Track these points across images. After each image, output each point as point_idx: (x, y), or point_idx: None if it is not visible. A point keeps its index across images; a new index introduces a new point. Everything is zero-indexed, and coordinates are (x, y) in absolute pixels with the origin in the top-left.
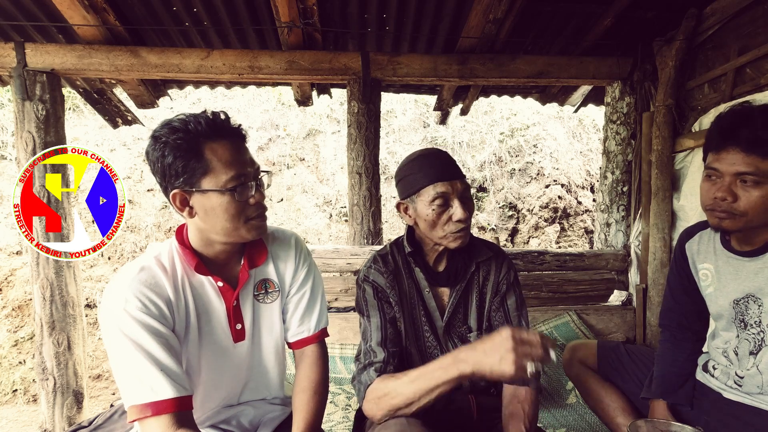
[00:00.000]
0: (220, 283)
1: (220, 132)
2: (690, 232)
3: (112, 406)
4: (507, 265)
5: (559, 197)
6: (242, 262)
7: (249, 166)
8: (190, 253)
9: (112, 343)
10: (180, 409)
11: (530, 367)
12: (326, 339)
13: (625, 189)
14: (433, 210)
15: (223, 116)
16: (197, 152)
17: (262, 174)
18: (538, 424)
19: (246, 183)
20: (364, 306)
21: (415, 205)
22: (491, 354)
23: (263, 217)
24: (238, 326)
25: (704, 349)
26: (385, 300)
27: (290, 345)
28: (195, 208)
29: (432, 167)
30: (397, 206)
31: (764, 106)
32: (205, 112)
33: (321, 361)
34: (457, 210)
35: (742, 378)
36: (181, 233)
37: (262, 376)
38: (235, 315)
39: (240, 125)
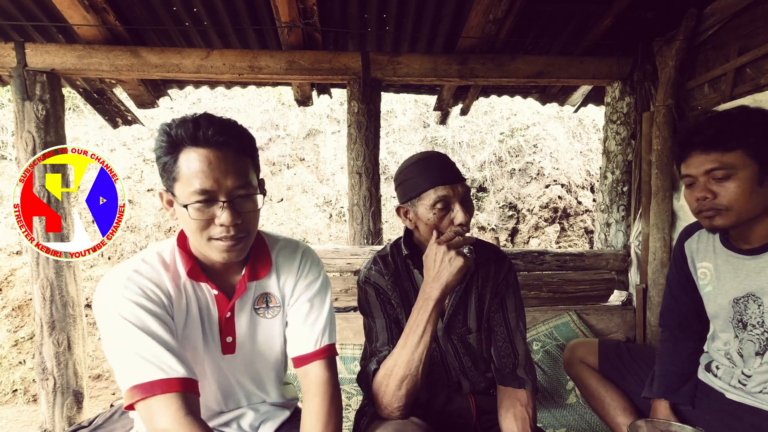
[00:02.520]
0: (216, 292)
1: (197, 139)
2: (689, 231)
3: (112, 406)
4: (507, 267)
5: (559, 197)
6: (243, 272)
7: (219, 183)
8: (186, 257)
9: (109, 329)
10: (189, 390)
11: (466, 251)
12: None
13: (625, 189)
14: (435, 214)
15: (206, 121)
16: (175, 157)
17: (255, 192)
18: (538, 424)
19: (210, 200)
20: (368, 308)
21: (416, 209)
22: (440, 267)
23: (231, 240)
24: (228, 339)
25: (705, 349)
26: (387, 301)
27: (293, 361)
28: (177, 211)
29: (432, 171)
30: (397, 210)
31: (710, 113)
32: (201, 114)
33: (328, 388)
34: (458, 214)
35: (748, 377)
36: (182, 236)
37: (257, 389)
38: (226, 327)
39: (231, 132)
